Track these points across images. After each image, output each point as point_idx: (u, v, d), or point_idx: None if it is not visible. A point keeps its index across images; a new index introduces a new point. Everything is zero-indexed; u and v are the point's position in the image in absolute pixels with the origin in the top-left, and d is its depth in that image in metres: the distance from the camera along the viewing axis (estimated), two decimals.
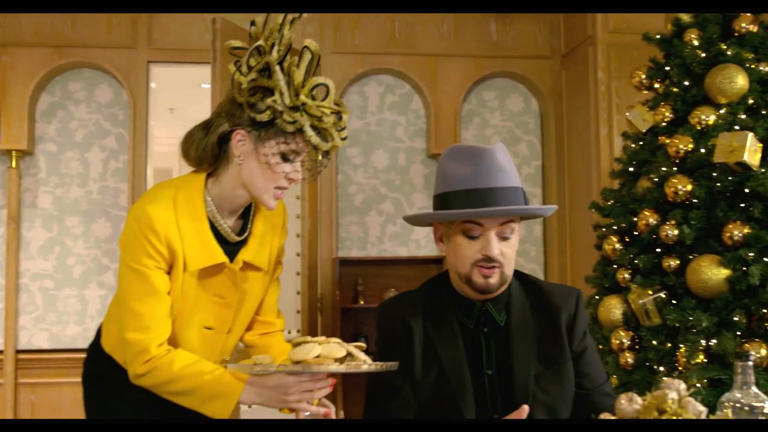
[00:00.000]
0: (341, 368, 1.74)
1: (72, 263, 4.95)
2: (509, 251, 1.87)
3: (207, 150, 1.97)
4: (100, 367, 2.14)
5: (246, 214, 2.09)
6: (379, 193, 5.29)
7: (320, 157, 2.00)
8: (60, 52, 4.93)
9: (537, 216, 1.98)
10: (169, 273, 1.97)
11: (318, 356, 1.76)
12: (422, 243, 5.29)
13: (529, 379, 1.85)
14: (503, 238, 1.86)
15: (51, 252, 4.94)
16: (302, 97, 1.88)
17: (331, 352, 1.77)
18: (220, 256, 1.99)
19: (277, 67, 1.87)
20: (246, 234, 2.08)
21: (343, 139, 1.97)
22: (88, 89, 5.07)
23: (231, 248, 2.03)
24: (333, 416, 1.94)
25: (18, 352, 4.81)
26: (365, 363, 1.76)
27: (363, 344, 1.83)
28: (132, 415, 2.06)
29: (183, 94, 6.90)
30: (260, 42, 1.89)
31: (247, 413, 4.30)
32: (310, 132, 1.88)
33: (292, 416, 1.93)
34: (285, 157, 1.94)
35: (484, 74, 5.34)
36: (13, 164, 4.86)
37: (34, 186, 4.96)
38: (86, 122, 5.05)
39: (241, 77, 1.89)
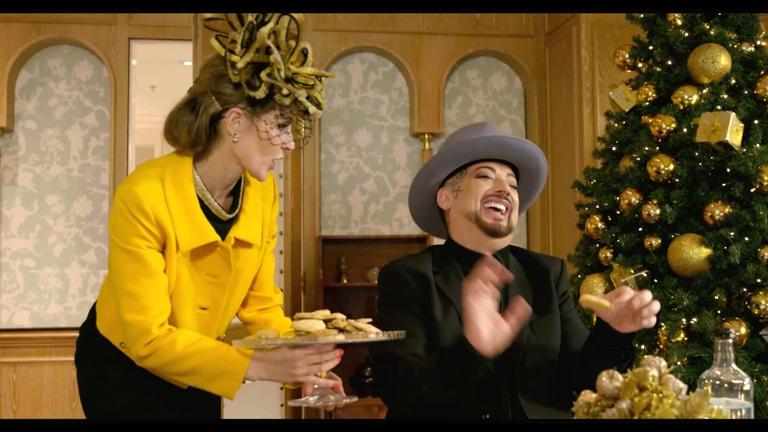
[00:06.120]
0: (348, 338, 1.73)
1: (53, 242, 4.91)
2: (516, 200, 2.09)
3: (200, 133, 1.92)
4: (93, 346, 2.11)
5: (236, 191, 2.06)
6: (362, 172, 5.28)
7: (309, 122, 1.99)
8: (38, 28, 4.87)
9: (539, 167, 2.17)
10: (162, 253, 1.93)
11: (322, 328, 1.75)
12: (405, 222, 5.29)
13: (525, 324, 1.96)
14: (511, 186, 2.08)
15: (31, 230, 4.90)
16: (292, 67, 1.86)
17: (335, 324, 1.77)
18: (212, 235, 1.96)
19: (271, 43, 1.83)
20: (237, 211, 2.04)
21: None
22: (67, 66, 5.02)
23: (222, 226, 2.00)
24: (341, 388, 1.95)
25: None
26: (372, 333, 1.76)
27: (369, 319, 1.83)
28: (128, 393, 2.04)
29: (165, 72, 6.84)
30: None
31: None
32: (306, 102, 1.87)
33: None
34: (281, 127, 1.92)
35: (467, 53, 5.32)
36: None
37: (14, 164, 4.91)
38: (66, 99, 4.99)
39: (233, 56, 1.85)
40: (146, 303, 1.89)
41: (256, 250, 2.09)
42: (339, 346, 1.85)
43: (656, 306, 1.78)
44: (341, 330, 1.78)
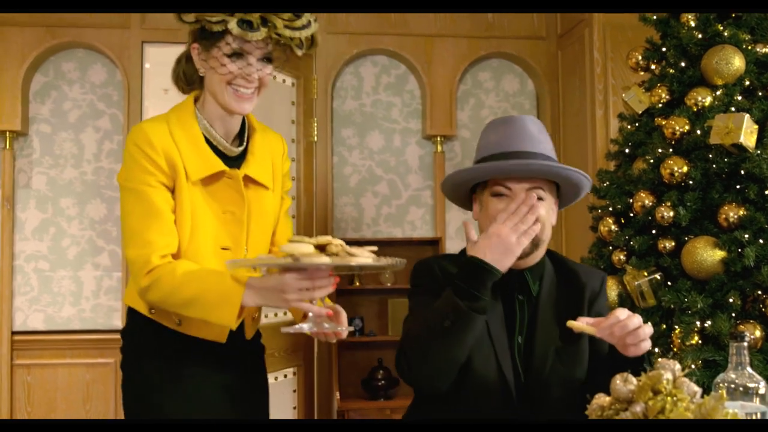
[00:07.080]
0: (330, 260, 1.69)
1: (66, 244, 4.94)
2: (542, 212, 1.97)
3: (178, 74, 2.11)
4: (131, 346, 2.15)
5: (241, 137, 2.13)
6: (375, 175, 5.28)
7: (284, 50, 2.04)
8: (52, 32, 4.89)
9: (562, 178, 2.05)
10: (173, 191, 1.98)
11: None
12: (417, 224, 5.29)
13: (549, 351, 1.94)
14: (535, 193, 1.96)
15: (46, 233, 4.92)
16: None
17: (329, 249, 1.74)
18: (219, 165, 2.02)
19: None
20: (243, 148, 2.11)
21: (299, 29, 2.03)
22: (81, 69, 5.04)
23: (230, 163, 2.06)
24: (343, 316, 1.95)
25: (13, 333, 4.80)
26: (358, 256, 1.72)
27: (374, 248, 1.80)
28: (165, 392, 2.06)
29: None
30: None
31: None
32: (233, 25, 1.89)
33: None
34: (237, 55, 1.98)
35: (479, 55, 5.31)
36: (7, 145, 4.83)
37: (28, 167, 4.94)
38: (80, 103, 5.02)
39: None
40: (149, 238, 1.93)
41: (271, 193, 2.14)
42: (335, 271, 1.84)
43: (644, 332, 1.70)
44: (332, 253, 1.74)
